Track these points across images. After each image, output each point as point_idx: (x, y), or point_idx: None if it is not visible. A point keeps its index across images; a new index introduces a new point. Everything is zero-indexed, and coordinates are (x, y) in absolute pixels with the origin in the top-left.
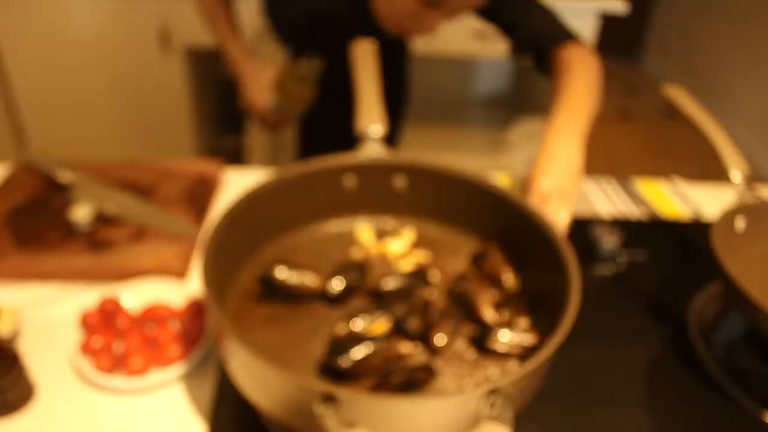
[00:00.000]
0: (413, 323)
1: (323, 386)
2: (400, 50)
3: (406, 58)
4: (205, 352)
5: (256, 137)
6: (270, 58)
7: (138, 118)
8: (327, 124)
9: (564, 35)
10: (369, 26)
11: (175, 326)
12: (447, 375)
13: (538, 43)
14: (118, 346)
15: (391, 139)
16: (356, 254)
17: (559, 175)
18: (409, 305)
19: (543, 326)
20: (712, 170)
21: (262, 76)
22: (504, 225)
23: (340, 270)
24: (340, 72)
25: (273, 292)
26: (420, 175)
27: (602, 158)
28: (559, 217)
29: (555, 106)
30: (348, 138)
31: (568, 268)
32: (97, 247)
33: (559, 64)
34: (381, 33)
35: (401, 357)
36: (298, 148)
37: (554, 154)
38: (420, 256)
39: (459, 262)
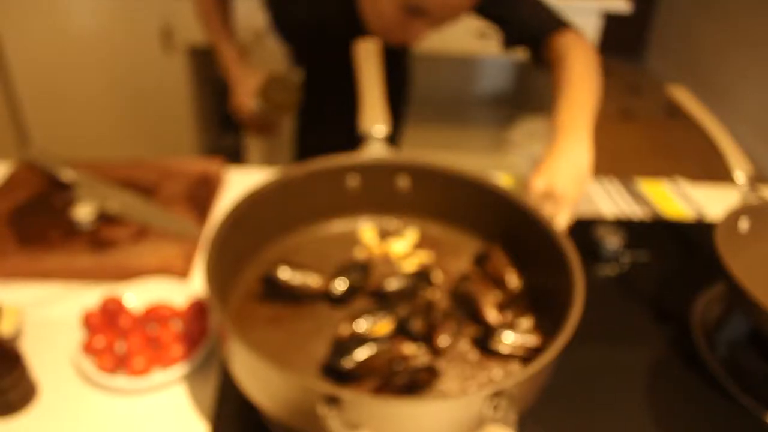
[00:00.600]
0: (416, 324)
1: (326, 387)
2: (400, 49)
3: (407, 56)
4: (208, 352)
5: (252, 138)
6: (263, 62)
7: (139, 117)
8: (325, 125)
9: (555, 24)
10: (365, 32)
11: (177, 326)
12: (450, 376)
13: (530, 34)
14: (120, 346)
15: (391, 138)
16: (359, 254)
17: (558, 176)
18: (412, 306)
19: (546, 327)
20: (714, 170)
21: (250, 81)
22: (507, 225)
23: (343, 270)
24: (339, 74)
25: (276, 292)
26: (423, 175)
27: (604, 158)
28: (555, 221)
29: (558, 103)
30: (346, 139)
31: (572, 269)
32: (100, 247)
33: (553, 54)
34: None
35: (404, 358)
36: (295, 149)
37: (560, 155)
38: (423, 257)
39: (462, 263)
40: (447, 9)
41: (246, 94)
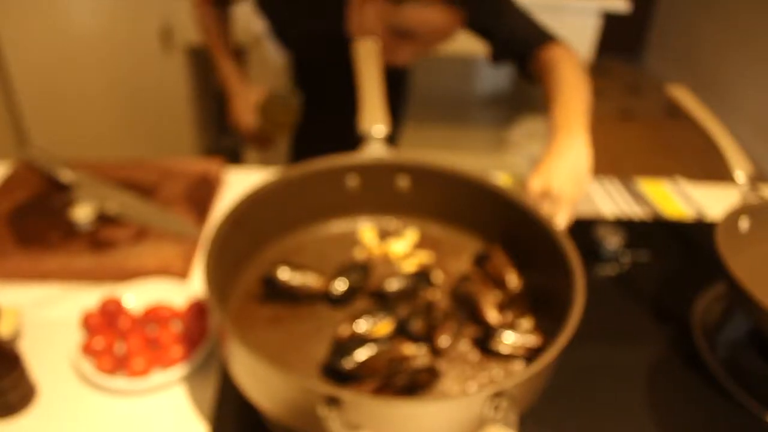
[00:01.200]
0: (416, 324)
1: (326, 388)
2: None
3: None
4: (207, 353)
5: (251, 148)
6: (260, 63)
7: (139, 116)
8: (323, 130)
9: (543, 38)
10: None
11: (177, 327)
12: (450, 377)
13: (518, 48)
14: (119, 347)
15: (390, 138)
16: (359, 255)
17: (555, 176)
18: (412, 306)
19: (547, 327)
20: (714, 169)
21: (249, 97)
22: (507, 225)
23: (343, 271)
24: (337, 79)
25: (275, 292)
26: (423, 175)
27: (604, 158)
28: (554, 221)
29: (553, 107)
30: (344, 141)
31: (572, 269)
32: (99, 247)
33: (542, 66)
34: None
35: (405, 359)
36: (292, 150)
37: (557, 156)
38: (423, 257)
39: (462, 263)
40: (433, 32)
41: (245, 110)
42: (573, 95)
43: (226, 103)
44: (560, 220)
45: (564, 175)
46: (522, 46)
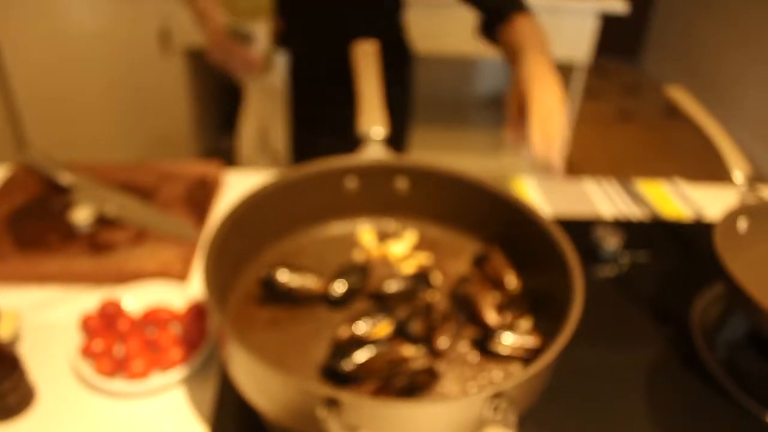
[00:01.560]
0: (416, 326)
1: (326, 390)
2: (402, 55)
3: (409, 63)
4: (207, 355)
5: (246, 137)
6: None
7: (138, 118)
8: (322, 126)
9: (517, 5)
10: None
11: (176, 329)
12: (450, 378)
13: (491, 5)
14: (118, 350)
15: (398, 145)
16: (358, 257)
17: (548, 124)
18: (411, 308)
19: (546, 328)
20: (713, 170)
21: (216, 6)
22: (506, 226)
23: (342, 272)
24: (336, 70)
25: (275, 294)
26: (422, 176)
27: (603, 158)
28: (557, 164)
29: (521, 61)
30: (342, 140)
31: (571, 270)
32: (98, 250)
33: (508, 37)
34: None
35: (404, 360)
36: (292, 149)
37: (542, 104)
38: (422, 259)
39: (461, 264)
40: None
41: (214, 19)
42: (539, 50)
43: (226, 96)
44: (557, 161)
45: (554, 120)
46: (496, 5)
